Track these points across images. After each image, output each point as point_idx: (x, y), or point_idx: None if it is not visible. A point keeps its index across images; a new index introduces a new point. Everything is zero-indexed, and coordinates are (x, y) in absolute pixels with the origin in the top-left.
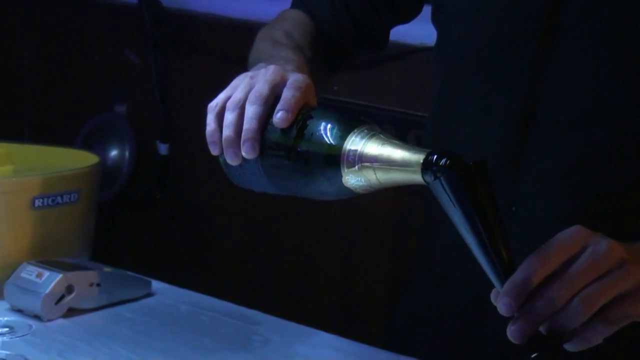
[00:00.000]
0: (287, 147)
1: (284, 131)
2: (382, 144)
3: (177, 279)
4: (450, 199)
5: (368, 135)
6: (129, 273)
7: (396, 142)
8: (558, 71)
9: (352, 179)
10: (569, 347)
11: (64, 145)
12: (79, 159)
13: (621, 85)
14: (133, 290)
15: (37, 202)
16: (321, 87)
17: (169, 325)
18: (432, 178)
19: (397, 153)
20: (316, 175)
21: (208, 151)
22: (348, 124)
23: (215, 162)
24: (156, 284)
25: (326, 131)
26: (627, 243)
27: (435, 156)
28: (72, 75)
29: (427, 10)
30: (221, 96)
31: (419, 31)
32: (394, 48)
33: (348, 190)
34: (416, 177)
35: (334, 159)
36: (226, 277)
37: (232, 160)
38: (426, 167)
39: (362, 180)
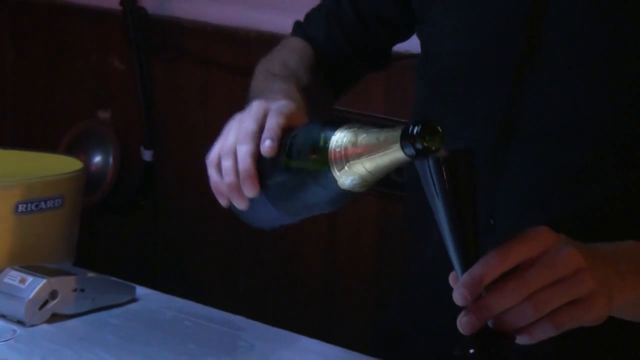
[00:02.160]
0: (281, 171)
1: (275, 159)
2: (362, 136)
3: (161, 284)
4: (433, 182)
5: (348, 134)
6: (113, 279)
7: (374, 130)
8: (537, 87)
9: (347, 180)
10: (517, 339)
11: (48, 151)
12: (63, 165)
13: (600, 101)
14: (117, 295)
15: (21, 208)
16: (328, 108)
17: (153, 331)
18: (413, 149)
19: (376, 138)
20: (314, 188)
21: (192, 158)
22: (329, 130)
23: (200, 169)
24: (140, 290)
25: (311, 143)
26: (595, 245)
27: (410, 127)
28: (56, 81)
29: None
30: (216, 147)
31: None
32: None
33: (348, 192)
34: (399, 155)
35: (324, 166)
36: (210, 282)
37: (240, 205)
38: (405, 139)
39: (355, 177)
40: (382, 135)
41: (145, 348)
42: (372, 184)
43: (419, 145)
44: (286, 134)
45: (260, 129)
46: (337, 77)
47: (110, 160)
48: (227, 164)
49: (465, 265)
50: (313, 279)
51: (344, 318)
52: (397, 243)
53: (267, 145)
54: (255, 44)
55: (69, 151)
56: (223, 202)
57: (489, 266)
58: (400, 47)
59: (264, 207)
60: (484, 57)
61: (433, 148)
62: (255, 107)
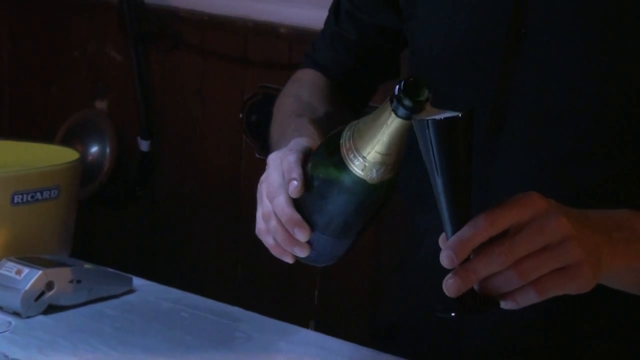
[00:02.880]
0: (317, 199)
1: (306, 192)
2: (360, 124)
3: (158, 275)
4: (430, 141)
5: (349, 130)
6: (110, 270)
7: (368, 114)
8: (525, 73)
9: (370, 173)
10: (501, 304)
11: (44, 142)
12: (59, 155)
13: (588, 85)
14: (114, 287)
15: (17, 198)
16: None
17: (150, 322)
18: (401, 107)
19: (372, 119)
20: (350, 197)
21: (189, 148)
22: (334, 138)
23: (197, 159)
24: (137, 281)
25: (325, 158)
26: (587, 211)
27: (394, 90)
28: (52, 71)
29: None
30: (258, 216)
31: None
32: None
33: (378, 184)
34: (397, 122)
35: (344, 170)
36: (208, 274)
37: (303, 253)
38: (392, 104)
39: (376, 165)
40: (376, 113)
41: (142, 339)
42: (396, 164)
43: (407, 102)
44: (306, 167)
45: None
46: (354, 95)
47: (107, 150)
48: (272, 224)
49: (455, 227)
50: (310, 270)
51: (340, 310)
52: (395, 236)
53: (293, 186)
54: (252, 34)
55: (66, 141)
56: (289, 259)
57: (477, 229)
58: None
59: (323, 242)
60: (470, 48)
61: (421, 99)
62: (272, 162)
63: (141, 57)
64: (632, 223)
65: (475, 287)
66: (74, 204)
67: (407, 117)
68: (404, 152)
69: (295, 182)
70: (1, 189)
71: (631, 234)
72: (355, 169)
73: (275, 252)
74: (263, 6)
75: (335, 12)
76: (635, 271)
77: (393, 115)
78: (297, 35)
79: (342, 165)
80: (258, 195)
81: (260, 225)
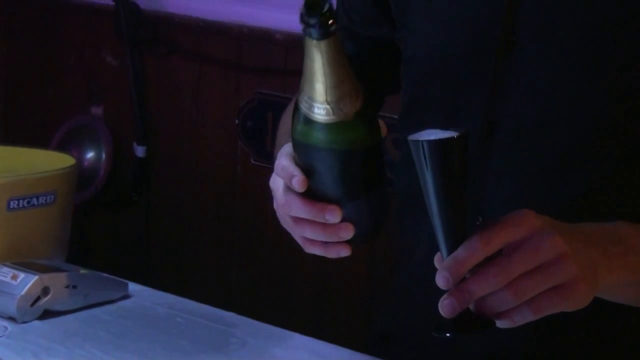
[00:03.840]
0: (321, 178)
1: (310, 182)
2: (302, 77)
3: (154, 281)
4: (426, 163)
5: (300, 92)
6: (105, 275)
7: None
8: (517, 81)
9: (338, 112)
10: (497, 323)
11: (40, 147)
12: (55, 161)
13: (579, 91)
14: (109, 292)
15: (12, 204)
16: None
17: (145, 328)
18: (311, 30)
19: (304, 65)
20: (342, 147)
21: (185, 153)
22: (294, 111)
23: (192, 165)
24: (133, 286)
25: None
26: (582, 225)
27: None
28: (48, 77)
29: None
30: (302, 243)
31: None
32: None
33: (353, 118)
34: (315, 49)
35: (320, 127)
36: (203, 279)
37: (348, 233)
38: (303, 30)
39: (339, 103)
40: (305, 57)
41: (137, 344)
42: (356, 90)
43: (312, 21)
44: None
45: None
46: None
47: (103, 156)
48: (308, 233)
49: (450, 248)
50: (305, 275)
51: (336, 315)
52: (390, 242)
53: (296, 181)
54: (247, 39)
55: (61, 147)
56: (345, 251)
57: (472, 250)
58: None
59: (355, 210)
60: (461, 56)
61: (324, 11)
62: (273, 184)
63: (137, 63)
64: (627, 236)
65: (471, 307)
66: (70, 210)
67: (323, 34)
68: (353, 76)
69: (295, 177)
70: None
71: (627, 247)
72: (324, 117)
73: (330, 253)
74: (258, 12)
75: None
76: (632, 284)
77: (313, 41)
78: (293, 41)
79: (311, 124)
80: (283, 224)
81: (306, 247)
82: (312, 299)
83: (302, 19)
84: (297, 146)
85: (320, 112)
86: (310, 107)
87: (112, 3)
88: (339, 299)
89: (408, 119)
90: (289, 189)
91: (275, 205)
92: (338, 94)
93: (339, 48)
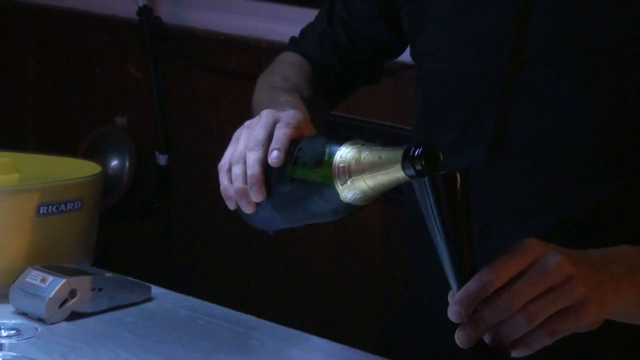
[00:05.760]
0: (287, 181)
1: (282, 168)
2: (365, 153)
3: (176, 284)
4: (429, 200)
5: (352, 149)
6: (129, 278)
7: (378, 147)
8: (525, 100)
9: (349, 194)
10: (513, 353)
11: (67, 155)
12: (82, 169)
13: (585, 111)
14: (133, 295)
15: (42, 210)
16: (324, 118)
17: (168, 329)
18: (413, 170)
19: (379, 157)
20: (317, 200)
21: (205, 162)
22: (333, 144)
23: (212, 173)
24: (155, 289)
25: (316, 157)
26: (587, 251)
27: (412, 149)
28: (75, 88)
29: None
30: (226, 153)
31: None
32: (386, 65)
33: (349, 205)
34: (400, 174)
35: (328, 179)
36: (222, 283)
37: (246, 209)
38: (405, 160)
39: (357, 192)
40: (385, 154)
41: (160, 345)
42: (373, 198)
43: (419, 167)
44: (293, 144)
45: (269, 137)
46: (331, 90)
47: (127, 164)
48: (237, 170)
49: (461, 282)
50: (320, 280)
51: (349, 318)
52: (402, 246)
53: (274, 156)
54: (266, 53)
55: (88, 155)
56: (231, 205)
57: (483, 283)
58: (405, 58)
59: (269, 213)
60: (472, 76)
61: (432, 170)
62: (264, 116)
63: (160, 75)
64: (630, 258)
65: (487, 341)
66: (96, 215)
67: (411, 177)
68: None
69: (277, 154)
70: (28, 201)
71: (632, 268)
72: (338, 183)
73: (224, 192)
74: (276, 27)
75: (328, 12)
76: None
77: (399, 166)
78: None
79: (327, 172)
80: (235, 135)
81: (225, 162)
82: (326, 302)
83: (415, 156)
84: (303, 156)
85: (341, 176)
86: (344, 167)
87: (137, 17)
88: (352, 302)
89: (421, 133)
90: (264, 140)
91: (246, 124)
92: (363, 189)
93: (401, 181)
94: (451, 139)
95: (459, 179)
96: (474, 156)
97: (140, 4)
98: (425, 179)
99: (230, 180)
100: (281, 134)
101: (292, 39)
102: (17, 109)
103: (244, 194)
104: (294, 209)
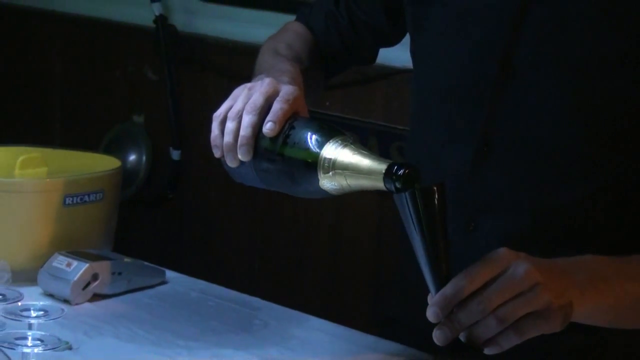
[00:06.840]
0: (274, 153)
1: (272, 139)
2: (353, 154)
3: (188, 269)
4: (409, 211)
5: (342, 146)
6: (146, 263)
7: (365, 152)
8: (511, 105)
9: (327, 183)
10: (485, 351)
11: (89, 150)
12: (104, 163)
13: (568, 117)
14: (149, 278)
15: (68, 200)
16: (318, 92)
17: (180, 310)
18: (392, 186)
19: (365, 162)
20: (297, 178)
21: (215, 157)
22: (325, 135)
23: (221, 167)
24: (169, 273)
25: (306, 141)
26: (555, 259)
27: (395, 167)
28: (96, 89)
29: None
30: (224, 106)
31: (401, 55)
32: (380, 69)
33: (324, 192)
34: (379, 185)
35: (312, 165)
36: (230, 267)
37: (231, 163)
38: (387, 176)
39: (336, 184)
40: (370, 161)
41: (174, 324)
42: (347, 193)
43: (398, 185)
44: (288, 119)
45: (268, 104)
46: (329, 65)
47: (143, 158)
48: (231, 125)
49: (438, 286)
50: (320, 265)
51: (347, 300)
52: (396, 232)
53: (269, 127)
54: None
55: (108, 150)
56: (217, 153)
57: (458, 288)
58: (398, 63)
59: (249, 171)
60: (463, 82)
61: (409, 188)
62: (266, 84)
63: (174, 78)
64: (595, 267)
65: (462, 339)
66: (116, 206)
67: (389, 191)
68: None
69: (272, 126)
70: (55, 192)
71: (593, 275)
72: (320, 172)
73: (213, 140)
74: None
75: None
76: (603, 308)
77: (381, 178)
78: None
79: (313, 159)
80: (235, 92)
81: (220, 113)
82: (325, 285)
83: (395, 174)
84: (295, 137)
85: (324, 163)
86: (330, 158)
87: (153, 25)
88: (349, 286)
89: (413, 133)
90: (262, 107)
91: (248, 85)
92: (341, 183)
93: (378, 189)
94: (442, 137)
95: (436, 193)
96: (462, 154)
97: (157, 13)
98: (406, 192)
99: (222, 132)
100: (278, 108)
101: (301, 10)
102: (45, 108)
103: (232, 149)
104: (272, 178)
